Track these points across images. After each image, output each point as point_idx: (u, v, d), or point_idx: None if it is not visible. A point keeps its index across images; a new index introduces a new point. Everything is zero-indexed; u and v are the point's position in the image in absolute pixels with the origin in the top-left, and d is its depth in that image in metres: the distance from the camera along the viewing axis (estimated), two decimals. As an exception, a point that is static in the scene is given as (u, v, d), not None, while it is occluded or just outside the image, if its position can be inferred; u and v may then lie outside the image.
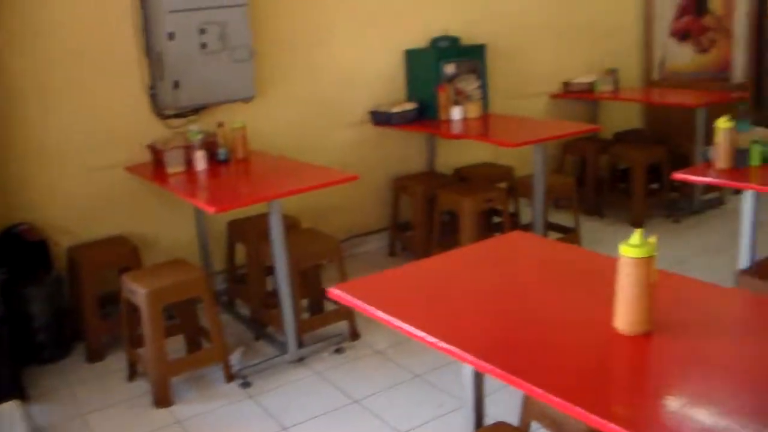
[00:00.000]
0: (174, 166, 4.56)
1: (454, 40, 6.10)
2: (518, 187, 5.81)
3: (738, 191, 4.67)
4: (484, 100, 6.07)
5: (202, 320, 4.31)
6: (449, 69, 5.94)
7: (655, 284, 1.96)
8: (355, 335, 4.55)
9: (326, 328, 4.60)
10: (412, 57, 6.09)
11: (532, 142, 5.01)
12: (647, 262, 1.94)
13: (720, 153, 3.76)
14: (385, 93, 6.07)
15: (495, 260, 2.72)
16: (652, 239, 1.97)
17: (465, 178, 6.03)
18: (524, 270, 2.67)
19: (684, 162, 6.05)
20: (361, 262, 5.84)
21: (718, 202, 6.75)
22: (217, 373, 4.18)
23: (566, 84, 7.00)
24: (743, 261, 3.91)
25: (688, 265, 5.36)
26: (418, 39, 6.15)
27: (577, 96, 6.97)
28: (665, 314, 2.06)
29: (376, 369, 4.21)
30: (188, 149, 4.67)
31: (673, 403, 1.66)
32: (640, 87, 7.74)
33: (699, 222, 6.45)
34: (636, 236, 1.95)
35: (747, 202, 3.84)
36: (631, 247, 1.95)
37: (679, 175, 3.84)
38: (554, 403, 1.71)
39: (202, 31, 4.75)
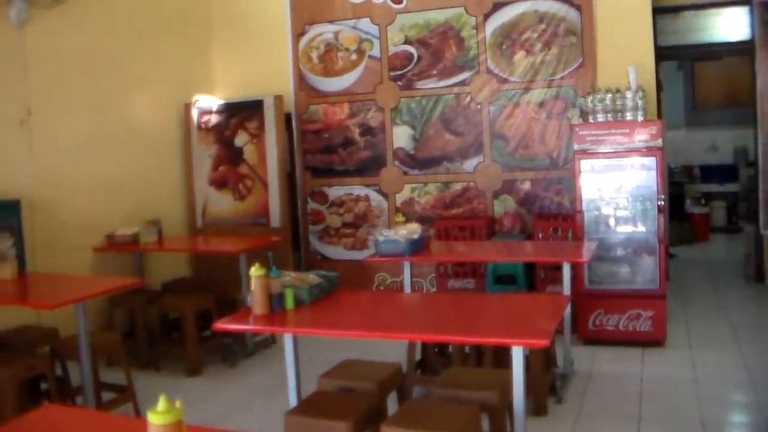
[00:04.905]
0: None
1: (-21, 197, 5.61)
2: (63, 350, 5.37)
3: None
4: (21, 258, 5.61)
5: None
6: (-23, 228, 5.42)
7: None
8: None
9: None
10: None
11: (72, 302, 4.66)
12: (175, 427, 1.91)
13: (256, 299, 3.84)
14: None
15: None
16: (179, 403, 1.95)
17: (2, 344, 5.43)
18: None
19: (232, 307, 6.14)
20: None
21: (270, 342, 6.93)
22: None
23: (110, 237, 6.79)
24: (292, 401, 3.98)
25: (247, 409, 5.37)
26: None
27: (121, 248, 6.79)
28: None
29: None
30: None
31: None
32: (185, 235, 7.85)
33: (254, 364, 6.53)
34: (162, 403, 1.93)
35: (288, 344, 3.94)
36: (158, 414, 1.91)
37: (219, 326, 3.83)
38: None
39: None
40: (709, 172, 12.49)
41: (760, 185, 8.14)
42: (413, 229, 5.50)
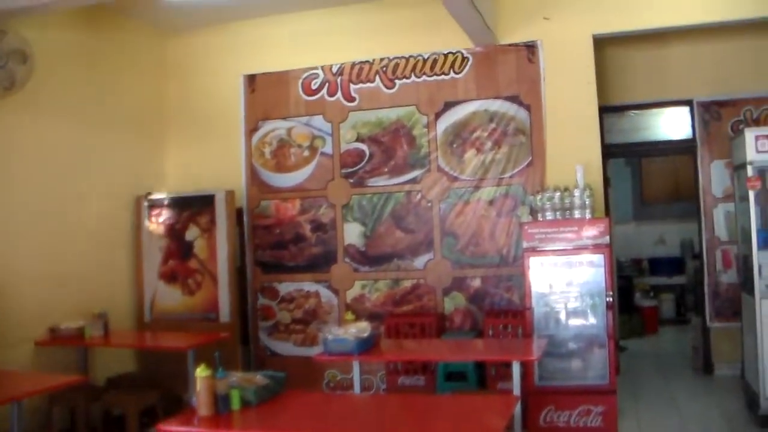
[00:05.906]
0: None
1: None
2: (-4, 451, 5.19)
3: None
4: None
5: None
6: None
7: None
8: None
9: None
10: None
11: (8, 401, 4.52)
12: None
13: (201, 400, 3.79)
14: None
15: None
16: None
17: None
18: None
19: (179, 404, 6.02)
20: None
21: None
22: None
23: (53, 330, 6.62)
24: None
25: None
26: None
27: (65, 342, 6.62)
28: None
29: None
30: None
31: None
32: (132, 329, 7.69)
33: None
34: None
35: (235, 446, 3.88)
36: None
37: (163, 427, 3.77)
38: None
39: None
40: (658, 265, 12.67)
41: (705, 278, 8.33)
42: (362, 328, 5.49)
